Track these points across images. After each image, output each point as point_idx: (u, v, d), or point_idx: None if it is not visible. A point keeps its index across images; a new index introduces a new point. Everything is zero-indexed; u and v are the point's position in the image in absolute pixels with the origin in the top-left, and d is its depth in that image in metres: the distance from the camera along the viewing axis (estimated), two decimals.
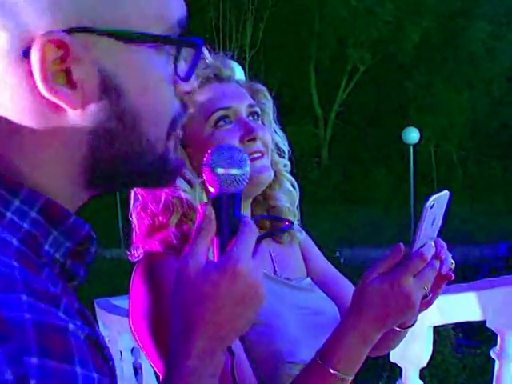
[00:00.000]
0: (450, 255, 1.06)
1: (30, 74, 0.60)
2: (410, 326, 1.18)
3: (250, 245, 0.81)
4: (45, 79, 0.60)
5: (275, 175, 1.33)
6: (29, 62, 0.60)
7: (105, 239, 13.00)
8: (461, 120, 20.89)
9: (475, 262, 11.61)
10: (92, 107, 0.63)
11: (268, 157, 1.28)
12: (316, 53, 21.08)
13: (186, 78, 0.70)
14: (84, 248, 0.71)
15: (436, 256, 1.03)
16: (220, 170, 0.84)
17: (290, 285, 1.31)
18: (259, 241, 0.91)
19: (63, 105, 0.62)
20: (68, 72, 0.61)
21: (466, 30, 19.95)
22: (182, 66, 0.70)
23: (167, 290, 1.13)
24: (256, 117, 1.30)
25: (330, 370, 1.02)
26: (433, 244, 1.04)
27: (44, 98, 0.61)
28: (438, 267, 1.02)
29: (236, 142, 1.24)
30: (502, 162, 20.58)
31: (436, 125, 20.04)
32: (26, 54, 0.60)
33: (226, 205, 0.83)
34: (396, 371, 2.70)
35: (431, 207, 0.98)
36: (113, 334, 4.10)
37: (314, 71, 21.70)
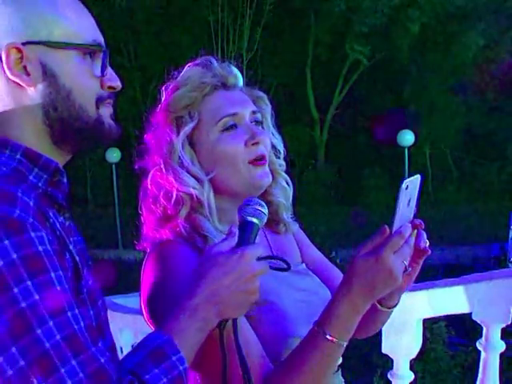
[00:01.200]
0: (424, 234, 1.21)
1: (2, 67, 1.06)
2: (394, 306, 1.32)
3: (256, 252, 1.14)
4: (10, 69, 1.06)
5: (272, 174, 1.45)
6: (1, 62, 1.06)
7: (103, 241, 13.05)
8: (456, 122, 20.98)
9: (469, 262, 11.71)
10: (40, 85, 1.07)
11: (268, 161, 1.41)
12: (312, 55, 21.14)
13: (103, 75, 1.12)
14: (57, 179, 1.09)
15: (416, 231, 1.19)
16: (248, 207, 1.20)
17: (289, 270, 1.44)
18: (262, 259, 1.16)
19: (23, 84, 1.07)
20: (24, 66, 1.06)
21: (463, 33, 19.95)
22: (98, 67, 1.12)
23: (177, 272, 1.28)
24: (259, 123, 1.43)
25: (327, 337, 1.16)
26: (409, 225, 1.19)
27: (10, 79, 1.07)
28: (412, 243, 1.18)
29: (241, 146, 1.37)
30: (496, 164, 20.67)
31: (431, 127, 20.12)
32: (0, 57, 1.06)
33: (247, 230, 1.17)
34: (388, 366, 2.81)
35: (406, 188, 1.15)
36: (114, 330, 4.19)
37: (311, 74, 21.75)
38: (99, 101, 1.12)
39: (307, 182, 20.11)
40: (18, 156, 1.06)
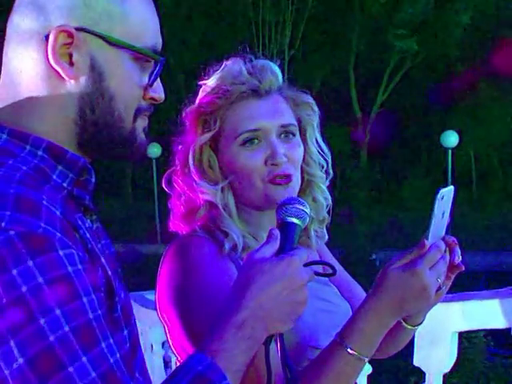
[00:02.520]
0: (458, 250, 1.14)
1: (46, 51, 0.92)
2: (419, 324, 1.25)
3: (304, 257, 1.01)
4: (54, 54, 0.91)
5: (309, 184, 1.37)
6: (47, 44, 0.91)
7: (142, 235, 13.12)
8: (503, 122, 20.46)
9: None
10: (82, 81, 0.94)
11: (296, 178, 1.33)
12: (356, 53, 20.90)
13: (150, 85, 0.99)
14: (85, 178, 0.97)
15: (449, 248, 1.12)
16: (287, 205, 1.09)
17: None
18: (307, 265, 1.04)
19: (63, 74, 0.92)
20: (70, 54, 0.92)
21: None
22: (146, 76, 0.99)
23: (196, 264, 1.24)
24: (291, 135, 1.33)
25: (349, 350, 1.10)
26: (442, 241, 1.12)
27: (52, 67, 0.92)
28: (448, 260, 1.11)
29: (260, 164, 1.29)
30: None
31: (477, 127, 19.66)
32: (46, 37, 0.91)
33: (290, 232, 1.06)
34: (421, 376, 2.69)
35: (441, 199, 1.08)
36: (144, 327, 4.18)
37: (354, 71, 21.53)
38: (138, 112, 1.00)
39: (348, 182, 19.92)
40: (40, 152, 0.92)
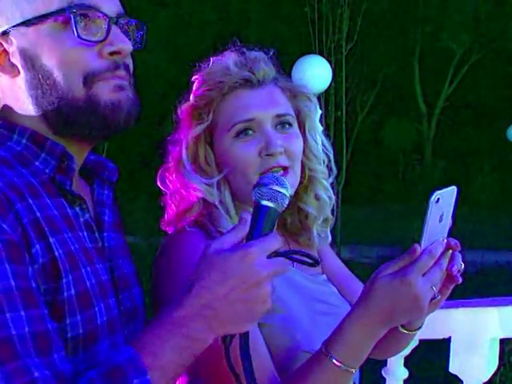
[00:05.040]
0: (459, 256, 1.04)
1: None
2: (418, 329, 1.17)
3: (267, 247, 0.89)
4: None
5: (311, 180, 1.31)
6: None
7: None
8: None
9: None
10: (23, 73, 1.00)
11: (293, 171, 1.27)
12: (420, 45, 20.39)
13: (101, 40, 0.99)
14: (66, 164, 1.01)
15: (451, 251, 1.03)
16: (262, 186, 0.96)
17: (307, 278, 1.32)
18: (279, 255, 0.92)
19: (9, 75, 1.02)
20: (8, 57, 1.01)
21: None
22: (92, 31, 0.99)
23: (183, 262, 1.19)
24: (287, 126, 1.27)
25: (334, 361, 1.04)
26: (442, 242, 1.02)
27: (3, 73, 1.02)
28: (445, 267, 1.01)
29: (254, 156, 1.24)
30: None
31: None
32: None
33: (260, 217, 0.94)
34: None
35: (436, 201, 0.98)
36: None
37: (418, 64, 21.02)
38: (91, 75, 0.98)
39: (412, 179, 19.50)
40: (24, 141, 1.00)
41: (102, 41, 0.99)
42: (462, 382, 2.41)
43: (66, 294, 0.92)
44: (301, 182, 1.30)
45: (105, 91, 0.99)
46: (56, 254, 0.93)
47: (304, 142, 1.31)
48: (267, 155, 1.23)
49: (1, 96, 1.05)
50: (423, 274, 0.99)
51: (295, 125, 1.29)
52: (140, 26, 1.07)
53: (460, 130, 21.62)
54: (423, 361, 4.45)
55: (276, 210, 0.96)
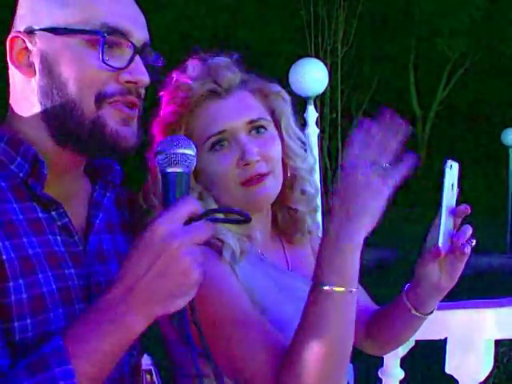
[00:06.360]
0: (469, 229, 1.13)
1: (12, 58, 1.04)
2: (430, 313, 1.22)
3: (177, 215, 0.85)
4: (13, 59, 1.04)
5: (294, 178, 1.31)
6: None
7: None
8: None
9: None
10: (39, 76, 1.02)
11: (274, 174, 1.26)
12: (415, 48, 20.41)
13: (124, 67, 1.01)
14: (37, 170, 1.00)
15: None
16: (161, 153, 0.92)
17: (302, 281, 1.32)
18: (202, 216, 0.87)
19: (24, 75, 1.03)
20: (28, 56, 1.02)
21: None
22: (117, 57, 1.01)
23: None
24: (262, 129, 1.26)
25: (326, 288, 1.00)
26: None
27: (16, 70, 1.04)
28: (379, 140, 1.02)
29: (231, 167, 1.23)
30: None
31: None
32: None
33: (170, 187, 0.90)
34: None
35: (450, 168, 1.17)
36: None
37: (413, 68, 21.05)
38: (101, 97, 0.99)
39: (406, 182, 19.49)
40: (3, 144, 1.02)
41: (122, 68, 1.01)
42: (457, 382, 2.44)
43: (13, 297, 0.92)
44: (285, 181, 1.29)
45: (113, 118, 1.01)
46: (4, 257, 0.92)
47: (282, 141, 1.29)
48: (245, 165, 1.22)
49: (12, 91, 1.06)
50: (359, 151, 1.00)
51: (271, 126, 1.28)
52: (160, 59, 1.09)
53: (454, 133, 21.66)
54: (419, 361, 4.46)
55: (184, 173, 0.91)
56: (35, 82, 1.02)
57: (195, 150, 0.94)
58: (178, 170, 0.90)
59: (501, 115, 18.07)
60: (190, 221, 0.86)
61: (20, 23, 1.03)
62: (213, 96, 1.24)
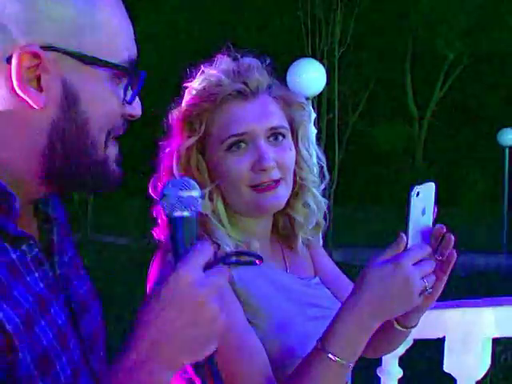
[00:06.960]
0: (452, 239, 1.08)
1: (10, 75, 0.78)
2: (413, 327, 1.19)
3: (196, 262, 0.82)
4: (19, 79, 0.78)
5: (301, 188, 1.32)
6: (10, 67, 0.78)
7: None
8: None
9: None
10: (53, 108, 0.81)
11: (285, 182, 1.27)
12: (412, 49, 20.47)
13: (130, 101, 0.88)
14: (8, 204, 0.82)
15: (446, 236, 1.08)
16: (169, 196, 0.87)
17: (300, 282, 1.33)
18: (218, 262, 0.87)
19: (31, 102, 0.80)
20: (38, 78, 0.80)
21: None
22: (130, 93, 0.88)
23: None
24: (281, 137, 1.27)
25: (330, 356, 1.04)
26: (429, 248, 1.07)
27: (18, 95, 0.79)
28: (434, 264, 1.05)
29: (246, 170, 1.23)
30: None
31: None
32: (8, 60, 0.78)
33: (178, 234, 0.86)
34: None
35: (417, 195, 1.06)
36: None
37: (410, 68, 21.10)
38: (109, 135, 0.87)
39: (403, 182, 19.53)
40: None
41: (130, 103, 0.89)
42: (455, 380, 2.45)
43: (24, 370, 0.78)
44: (292, 189, 1.30)
45: (112, 156, 0.89)
46: (9, 327, 0.76)
47: (296, 151, 1.30)
48: (260, 170, 1.22)
49: None
50: (414, 264, 1.03)
51: (288, 135, 1.28)
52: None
53: (451, 133, 21.71)
54: (417, 360, 4.48)
55: (191, 217, 0.87)
56: (45, 112, 0.81)
57: (200, 191, 0.91)
58: (187, 214, 0.86)
59: (497, 115, 18.11)
60: (207, 267, 0.84)
61: (29, 32, 0.78)
62: (239, 96, 1.24)
